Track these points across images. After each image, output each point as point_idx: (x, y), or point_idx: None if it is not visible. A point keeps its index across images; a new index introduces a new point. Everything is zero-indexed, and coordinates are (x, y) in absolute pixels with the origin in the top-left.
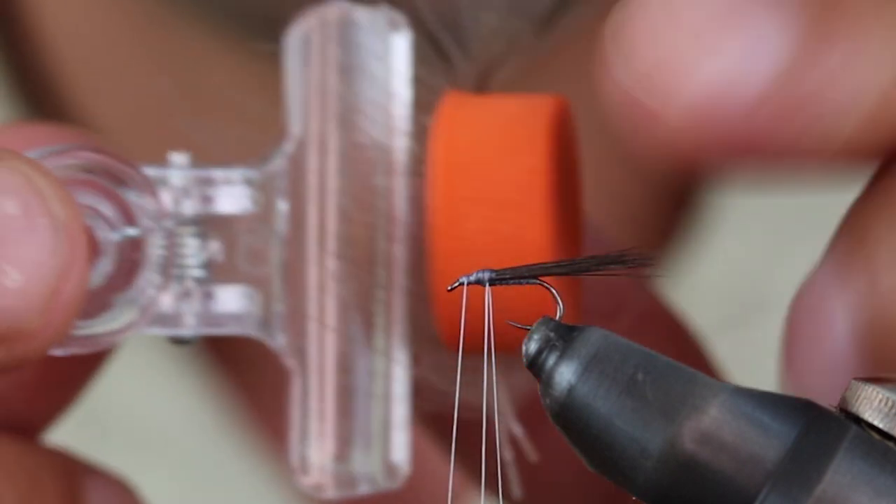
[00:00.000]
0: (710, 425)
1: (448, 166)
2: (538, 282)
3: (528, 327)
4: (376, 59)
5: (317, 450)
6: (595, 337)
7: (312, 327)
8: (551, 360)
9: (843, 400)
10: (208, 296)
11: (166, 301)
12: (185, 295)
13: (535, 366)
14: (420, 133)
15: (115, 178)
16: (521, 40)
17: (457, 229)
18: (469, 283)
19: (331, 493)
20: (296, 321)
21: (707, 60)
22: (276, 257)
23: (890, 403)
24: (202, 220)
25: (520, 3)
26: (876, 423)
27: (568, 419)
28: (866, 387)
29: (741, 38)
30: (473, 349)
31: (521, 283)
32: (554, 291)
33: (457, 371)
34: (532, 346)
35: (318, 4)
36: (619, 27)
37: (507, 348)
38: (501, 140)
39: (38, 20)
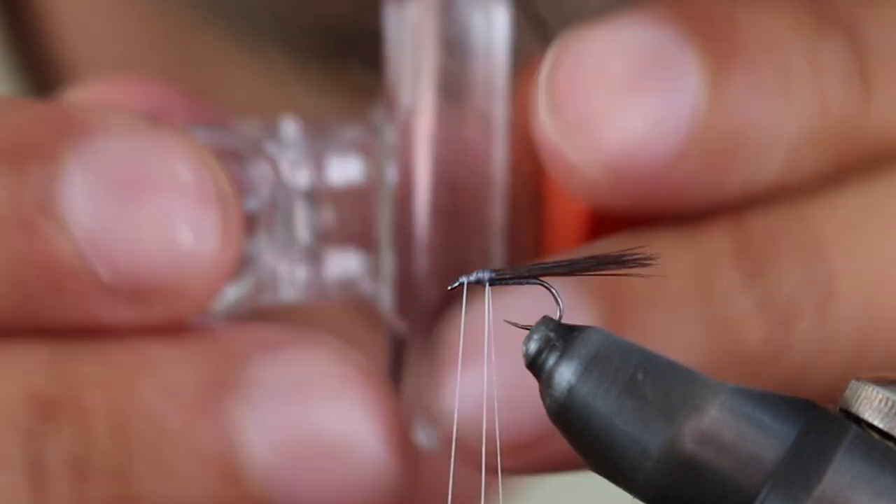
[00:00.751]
0: (710, 425)
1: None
2: (538, 282)
3: (529, 327)
4: (477, 31)
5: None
6: (595, 337)
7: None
8: (551, 360)
9: (843, 400)
10: (319, 261)
11: (282, 268)
12: (299, 261)
13: (535, 366)
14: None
15: (236, 152)
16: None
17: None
18: (469, 283)
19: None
20: (404, 285)
21: (624, 117)
22: (385, 224)
23: (890, 403)
24: (314, 189)
25: None
26: (876, 423)
27: (568, 419)
28: (866, 387)
29: (655, 93)
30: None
31: (521, 283)
32: (554, 291)
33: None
34: (532, 346)
35: None
36: (547, 76)
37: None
38: None
39: (57, 29)
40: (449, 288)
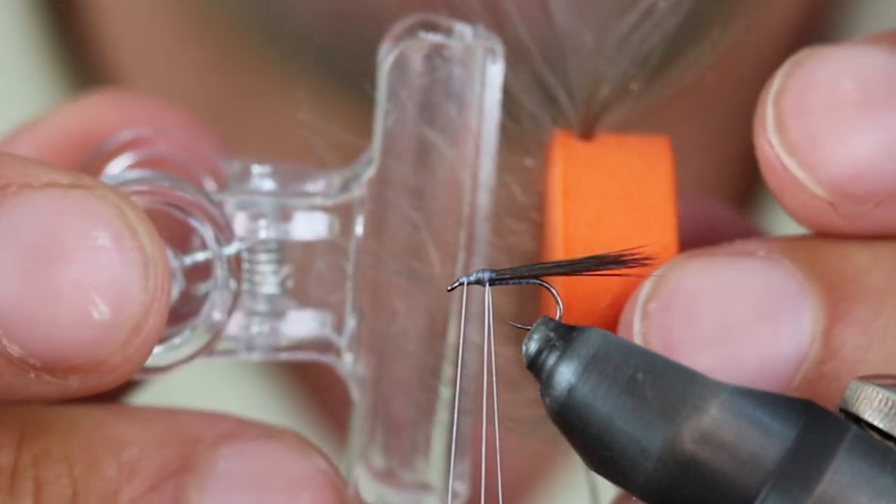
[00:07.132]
0: (711, 425)
1: (570, 220)
2: (538, 282)
3: (529, 327)
4: (468, 91)
5: (370, 469)
6: (595, 337)
7: (383, 351)
8: (551, 360)
9: (844, 400)
10: (278, 320)
11: (235, 326)
12: (255, 319)
13: (535, 366)
14: (521, 171)
15: (183, 207)
16: (629, 86)
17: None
18: (469, 283)
19: None
20: (365, 347)
21: (855, 139)
22: (348, 282)
23: (890, 403)
24: (277, 244)
25: (628, 49)
26: (876, 423)
27: (568, 419)
28: (866, 387)
29: (888, 116)
30: None
31: (521, 283)
32: (554, 291)
33: (457, 376)
34: (532, 346)
35: (410, 29)
36: (776, 92)
37: None
38: (626, 197)
39: (108, 51)
40: (448, 288)
